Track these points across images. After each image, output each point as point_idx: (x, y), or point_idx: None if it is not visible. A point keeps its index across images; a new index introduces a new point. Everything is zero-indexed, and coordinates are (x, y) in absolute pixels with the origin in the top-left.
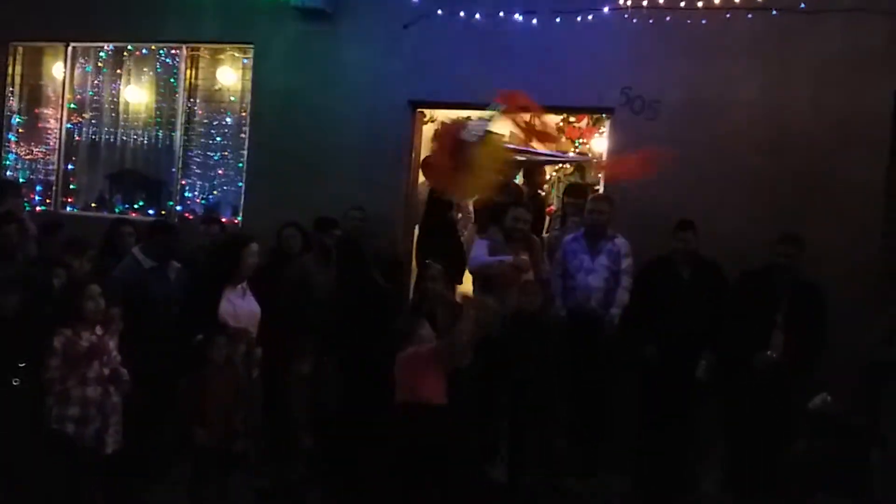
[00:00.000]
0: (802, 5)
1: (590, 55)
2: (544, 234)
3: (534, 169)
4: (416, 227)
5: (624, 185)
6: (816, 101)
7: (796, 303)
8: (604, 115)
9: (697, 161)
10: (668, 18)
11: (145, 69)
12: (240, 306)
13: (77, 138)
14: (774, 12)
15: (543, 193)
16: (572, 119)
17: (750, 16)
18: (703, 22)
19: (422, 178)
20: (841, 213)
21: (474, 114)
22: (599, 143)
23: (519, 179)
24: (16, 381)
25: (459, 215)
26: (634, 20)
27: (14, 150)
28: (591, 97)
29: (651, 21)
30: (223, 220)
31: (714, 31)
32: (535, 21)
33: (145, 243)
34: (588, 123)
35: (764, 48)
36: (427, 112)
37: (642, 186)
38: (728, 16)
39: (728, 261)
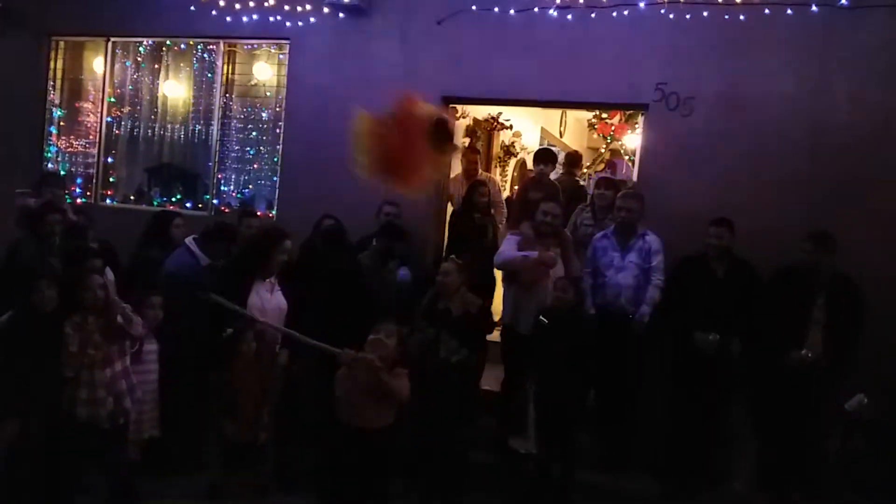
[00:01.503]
0: (843, 1)
1: (624, 51)
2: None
3: (576, 159)
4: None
5: (657, 182)
6: (855, 98)
7: (833, 299)
8: (638, 112)
9: (732, 158)
10: (704, 13)
11: (183, 64)
12: (267, 301)
13: (116, 132)
14: (815, 8)
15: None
16: (604, 115)
17: (789, 11)
18: (741, 17)
19: (454, 174)
20: (879, 212)
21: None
22: (632, 140)
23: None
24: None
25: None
26: (671, 15)
27: (55, 143)
28: (625, 93)
29: (688, 16)
30: (258, 213)
31: (751, 27)
32: (569, 16)
33: (202, 239)
34: (621, 120)
35: (802, 43)
36: (459, 108)
37: (676, 182)
38: (767, 11)
39: (762, 259)
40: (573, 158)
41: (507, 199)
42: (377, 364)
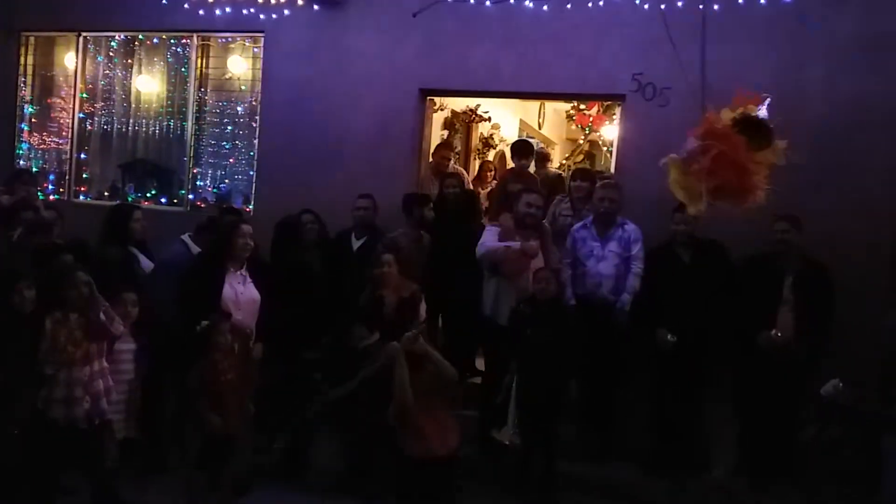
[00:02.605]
0: None
1: (601, 41)
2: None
3: (543, 156)
4: None
5: (635, 172)
6: (830, 85)
7: (802, 281)
8: (616, 102)
9: None
10: (679, 3)
11: (156, 58)
12: (241, 293)
13: (89, 127)
14: None
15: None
16: (582, 106)
17: (763, 1)
18: (716, 7)
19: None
20: (855, 199)
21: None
22: (610, 131)
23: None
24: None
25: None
26: (645, 6)
27: (27, 140)
28: (602, 84)
29: (662, 6)
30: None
31: (726, 16)
32: (545, 7)
33: (196, 234)
34: (598, 111)
35: (777, 32)
36: (437, 100)
37: (653, 172)
38: (741, 1)
39: (738, 247)
40: (541, 155)
41: (489, 191)
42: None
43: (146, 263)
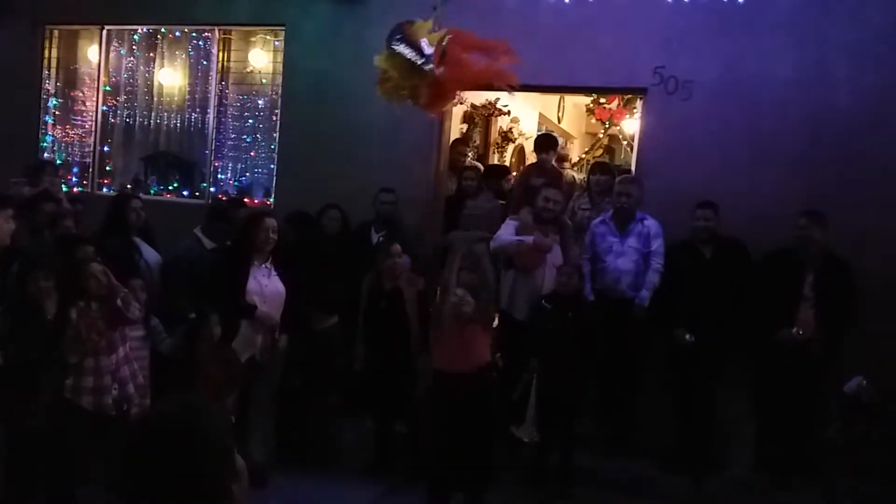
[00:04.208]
0: None
1: (623, 34)
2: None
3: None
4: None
5: (656, 166)
6: (855, 80)
7: (823, 278)
8: (636, 96)
9: (731, 142)
10: None
11: (178, 52)
12: (266, 285)
13: (112, 120)
14: None
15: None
16: (602, 100)
17: None
18: (739, 0)
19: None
20: (881, 193)
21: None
22: (630, 125)
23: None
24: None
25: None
26: None
27: (51, 132)
28: (623, 77)
29: None
30: (256, 201)
31: (750, 8)
32: (567, 0)
33: (206, 224)
34: (619, 104)
35: (801, 25)
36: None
37: (674, 167)
38: None
39: (761, 242)
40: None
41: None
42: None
43: (149, 254)
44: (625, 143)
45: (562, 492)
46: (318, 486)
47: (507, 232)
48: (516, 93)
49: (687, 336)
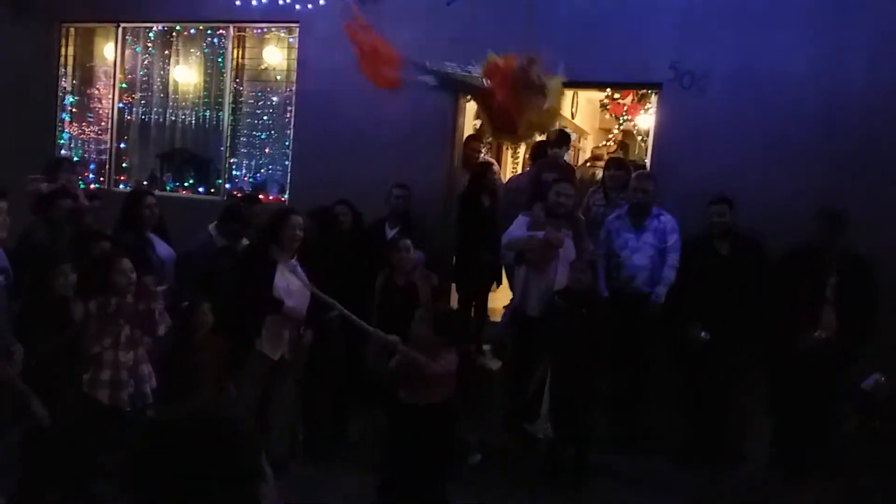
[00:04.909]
0: None
1: (638, 29)
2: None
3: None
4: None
5: (671, 162)
6: (871, 75)
7: (845, 279)
8: (651, 91)
9: (747, 136)
10: None
11: (193, 49)
12: (292, 282)
13: (128, 117)
14: None
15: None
16: (617, 95)
17: None
18: None
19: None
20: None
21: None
22: (645, 120)
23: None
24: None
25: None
26: None
27: (68, 130)
28: (638, 72)
29: None
30: (270, 197)
31: (766, 3)
32: None
33: (219, 223)
34: (633, 100)
35: (817, 20)
36: None
37: (690, 162)
38: None
39: (776, 238)
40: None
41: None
42: (420, 362)
43: (163, 250)
44: (639, 138)
45: (575, 487)
46: (329, 478)
47: (517, 227)
48: None
49: (702, 333)
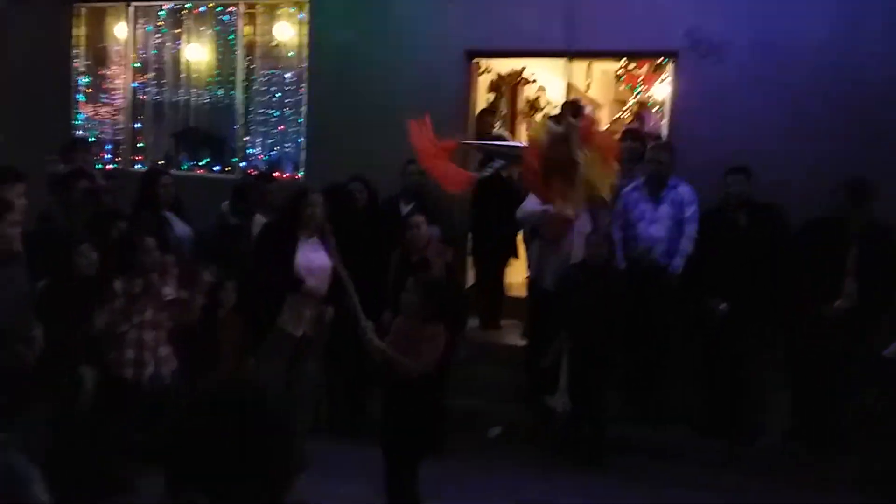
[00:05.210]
0: None
1: None
2: None
3: None
4: None
5: (687, 132)
6: (890, 41)
7: (868, 251)
8: (667, 61)
9: (764, 105)
10: None
11: (203, 27)
12: (313, 260)
13: (142, 97)
14: None
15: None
16: (632, 66)
17: None
18: None
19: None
20: None
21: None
22: (661, 91)
23: None
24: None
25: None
26: None
27: (82, 111)
28: (653, 40)
29: None
30: (285, 175)
31: None
32: None
33: (231, 201)
34: (649, 70)
35: None
36: (482, 63)
37: (706, 132)
38: None
39: (794, 209)
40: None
41: None
42: (387, 355)
43: (180, 229)
44: (655, 109)
45: (594, 459)
46: (347, 453)
47: (531, 200)
48: (544, 60)
49: (720, 305)
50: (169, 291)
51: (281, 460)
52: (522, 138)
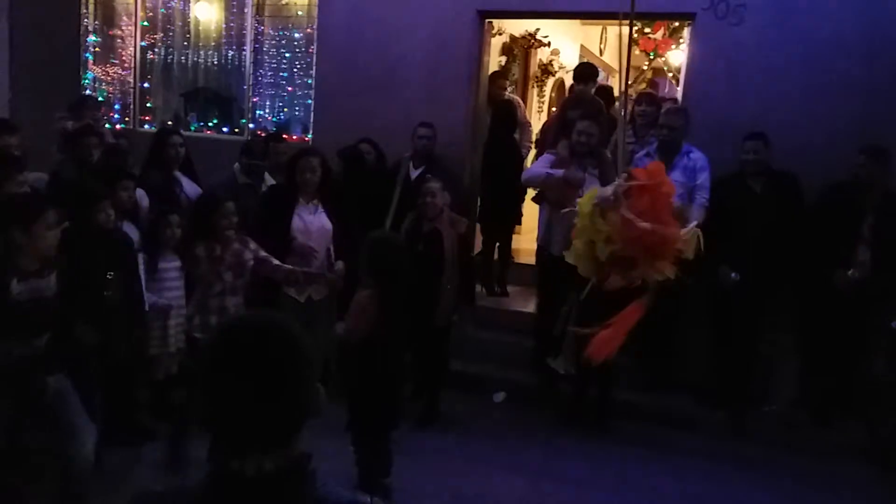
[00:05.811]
0: None
1: None
2: None
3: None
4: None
5: (704, 96)
6: None
7: (883, 219)
8: (683, 24)
9: (784, 69)
10: None
11: None
12: (310, 222)
13: (151, 57)
14: None
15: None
16: (647, 30)
17: None
18: None
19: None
20: None
21: None
22: (676, 56)
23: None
24: (107, 293)
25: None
26: None
27: (91, 70)
28: (670, 1)
29: None
30: (294, 137)
31: None
32: None
33: (241, 160)
34: (664, 34)
35: None
36: (495, 24)
37: (723, 96)
38: None
39: (814, 175)
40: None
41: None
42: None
43: (190, 188)
44: (669, 75)
45: (600, 424)
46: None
47: (538, 165)
48: (557, 22)
49: (733, 275)
50: (249, 256)
51: (299, 389)
52: (533, 103)
